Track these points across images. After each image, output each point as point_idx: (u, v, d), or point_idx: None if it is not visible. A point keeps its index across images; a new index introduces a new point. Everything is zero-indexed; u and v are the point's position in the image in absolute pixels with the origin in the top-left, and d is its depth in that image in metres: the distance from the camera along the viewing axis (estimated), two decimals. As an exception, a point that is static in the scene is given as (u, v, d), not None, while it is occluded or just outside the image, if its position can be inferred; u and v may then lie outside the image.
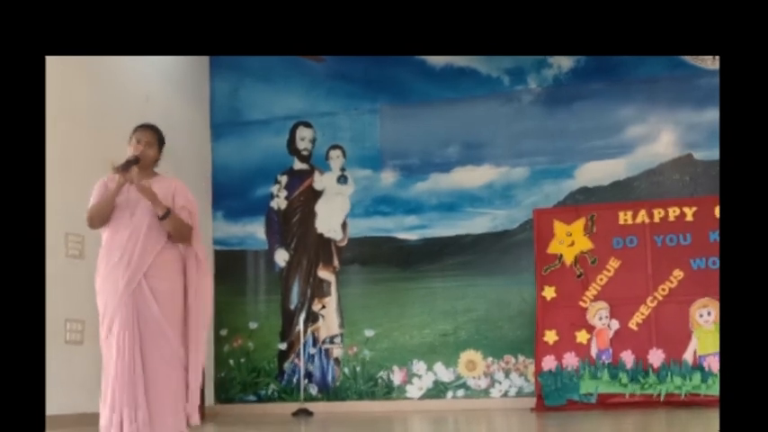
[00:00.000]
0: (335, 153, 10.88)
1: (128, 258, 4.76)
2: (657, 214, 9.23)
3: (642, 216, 9.26)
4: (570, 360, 9.08)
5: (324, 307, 10.63)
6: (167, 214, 4.76)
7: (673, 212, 9.21)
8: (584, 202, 9.92)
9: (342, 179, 10.81)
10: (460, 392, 10.08)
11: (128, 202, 4.84)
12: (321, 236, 10.76)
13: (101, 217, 4.85)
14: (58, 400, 7.53)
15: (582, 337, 9.14)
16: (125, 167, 4.76)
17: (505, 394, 9.95)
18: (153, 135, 4.95)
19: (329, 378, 10.46)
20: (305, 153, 10.99)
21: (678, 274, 9.04)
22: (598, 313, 9.14)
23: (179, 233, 4.81)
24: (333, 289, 10.65)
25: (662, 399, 8.78)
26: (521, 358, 9.90)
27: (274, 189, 10.99)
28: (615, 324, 9.09)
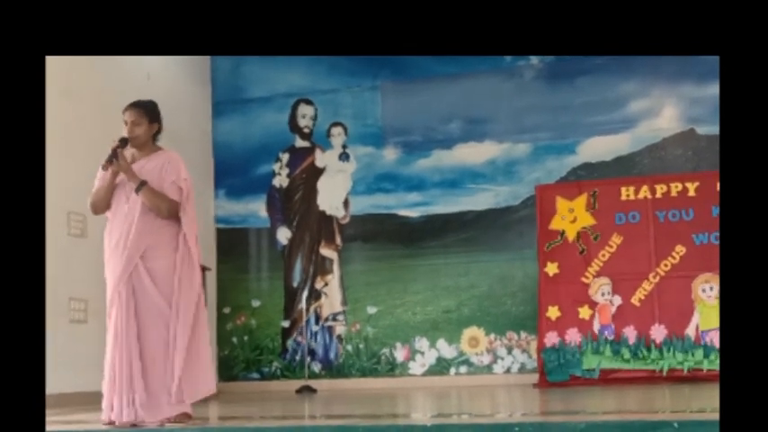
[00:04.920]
0: (337, 130, 10.86)
1: (123, 242, 4.77)
2: (660, 189, 9.21)
3: (644, 191, 9.24)
4: (573, 336, 9.10)
5: (326, 284, 10.64)
6: (140, 187, 4.78)
7: (675, 188, 9.18)
8: (586, 177, 9.90)
9: (343, 156, 10.79)
10: (463, 369, 10.11)
11: (124, 186, 4.86)
12: (323, 213, 10.76)
13: (101, 204, 4.90)
14: (63, 378, 7.56)
15: (584, 312, 9.14)
16: (110, 159, 4.80)
17: (508, 370, 9.98)
18: (138, 112, 4.94)
19: (332, 355, 10.49)
20: (306, 130, 10.97)
21: (681, 249, 9.03)
22: (600, 289, 9.15)
23: (156, 207, 4.80)
24: (335, 266, 10.66)
25: (664, 374, 8.80)
26: (523, 334, 9.92)
27: (276, 167, 10.98)
28: (618, 300, 9.10)
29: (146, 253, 4.77)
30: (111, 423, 4.73)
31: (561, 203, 9.42)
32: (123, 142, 4.85)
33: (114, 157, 4.78)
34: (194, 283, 4.86)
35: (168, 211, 4.81)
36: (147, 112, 4.96)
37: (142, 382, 4.69)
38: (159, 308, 4.76)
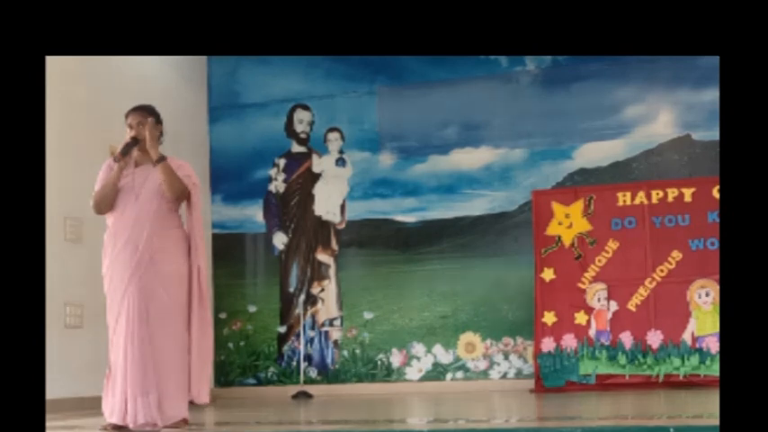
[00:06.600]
0: (333, 135, 10.85)
1: (135, 242, 4.75)
2: (656, 195, 9.22)
3: (641, 197, 9.26)
4: (569, 341, 9.10)
5: (323, 290, 10.63)
6: (161, 159, 4.79)
7: (671, 193, 9.20)
8: (582, 183, 9.91)
9: (340, 162, 10.79)
10: (459, 374, 10.11)
11: (132, 185, 4.84)
12: (319, 219, 10.75)
13: (105, 202, 4.85)
14: (58, 383, 7.53)
15: (581, 318, 9.15)
16: (124, 152, 4.79)
17: (504, 376, 9.97)
18: (143, 114, 4.95)
19: (328, 361, 10.48)
20: (303, 136, 10.96)
21: (677, 255, 9.04)
22: (597, 295, 9.15)
23: (170, 184, 4.81)
24: (331, 272, 10.65)
25: (660, 379, 8.81)
26: (519, 340, 9.91)
27: (272, 172, 10.97)
28: (614, 305, 9.10)
29: (155, 255, 4.77)
30: (120, 427, 4.69)
31: (557, 209, 9.43)
32: (134, 142, 4.86)
33: (128, 149, 4.79)
34: (205, 284, 4.92)
35: (180, 192, 4.84)
36: (153, 113, 4.97)
37: (155, 385, 4.68)
38: (169, 309, 4.76)
